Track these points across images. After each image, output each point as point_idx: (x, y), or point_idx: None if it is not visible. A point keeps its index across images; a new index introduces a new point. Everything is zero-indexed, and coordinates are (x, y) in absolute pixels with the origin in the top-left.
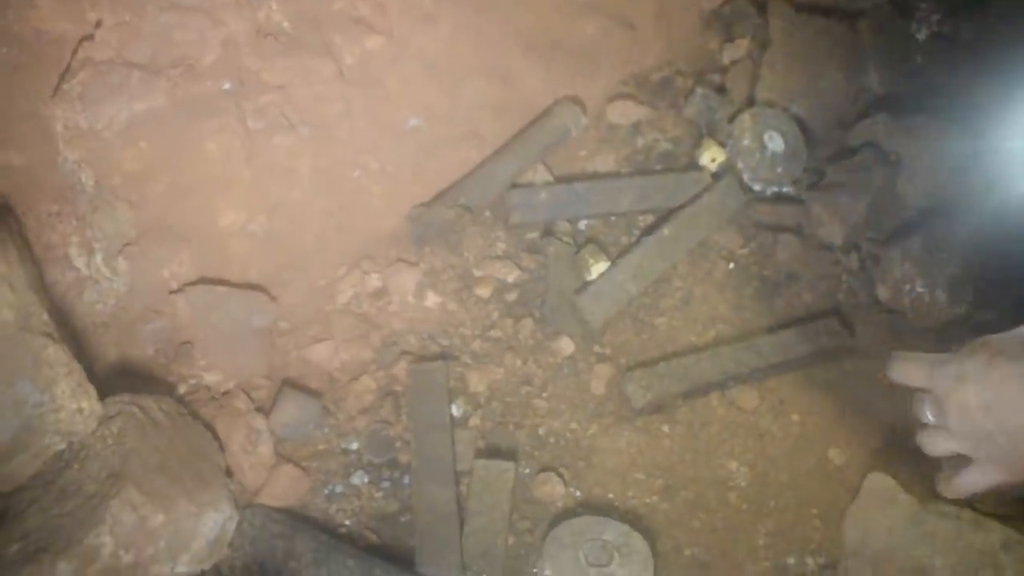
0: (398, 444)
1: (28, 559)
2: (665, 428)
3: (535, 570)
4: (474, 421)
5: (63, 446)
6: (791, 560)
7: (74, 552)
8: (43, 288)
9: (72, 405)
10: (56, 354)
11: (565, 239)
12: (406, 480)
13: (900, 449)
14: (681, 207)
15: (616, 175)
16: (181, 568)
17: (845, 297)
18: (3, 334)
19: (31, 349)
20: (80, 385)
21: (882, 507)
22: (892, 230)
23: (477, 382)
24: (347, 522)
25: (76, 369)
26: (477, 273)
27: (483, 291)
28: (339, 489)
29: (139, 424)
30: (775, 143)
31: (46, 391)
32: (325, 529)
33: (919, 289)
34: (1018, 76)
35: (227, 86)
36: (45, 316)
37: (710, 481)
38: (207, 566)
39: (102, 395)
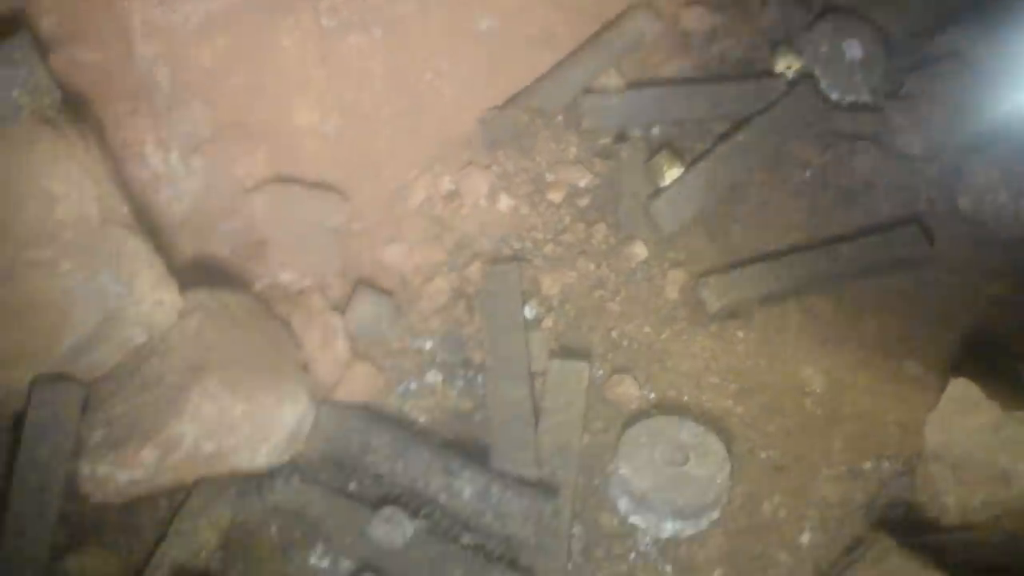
0: (471, 344)
1: (112, 446)
2: (739, 334)
3: (610, 468)
4: (547, 323)
5: (144, 338)
6: (867, 465)
7: (157, 440)
8: (122, 184)
9: (153, 297)
10: (137, 247)
11: (638, 145)
12: (480, 379)
13: (979, 358)
14: (756, 114)
15: (690, 81)
16: (260, 460)
17: (924, 207)
18: (86, 227)
19: (113, 242)
20: (161, 278)
21: (964, 413)
22: (974, 139)
23: (550, 285)
24: (421, 419)
25: (157, 262)
26: (549, 177)
27: (555, 195)
28: (413, 387)
29: (218, 318)
30: (853, 51)
31: (127, 283)
32: (400, 425)
33: (1002, 199)
34: None
35: None
36: (126, 209)
37: (785, 386)
38: (285, 458)
39: (180, 291)
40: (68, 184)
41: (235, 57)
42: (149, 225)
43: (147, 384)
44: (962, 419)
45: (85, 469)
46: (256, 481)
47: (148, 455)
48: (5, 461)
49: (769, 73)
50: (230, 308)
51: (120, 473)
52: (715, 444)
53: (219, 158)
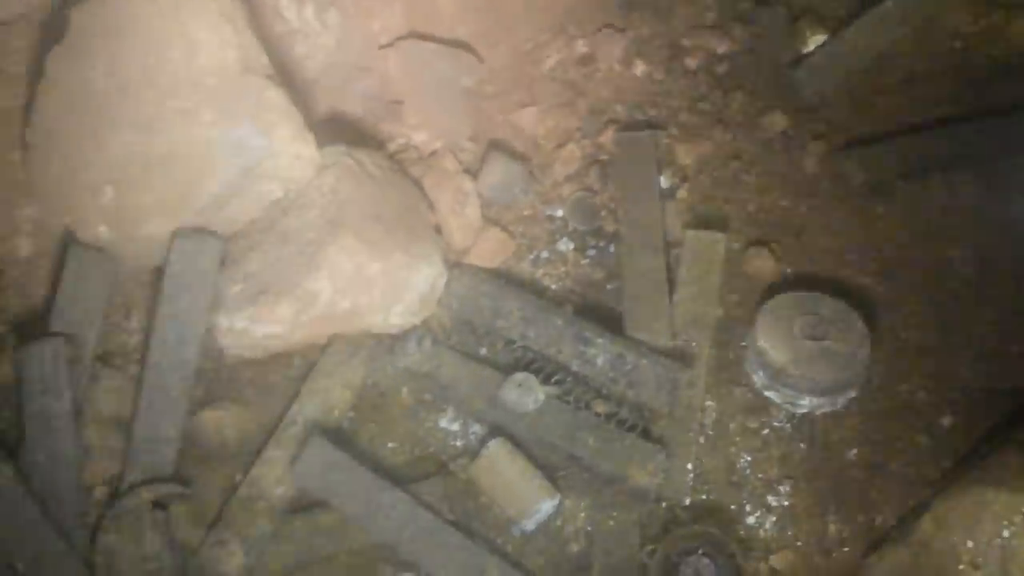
0: (603, 213)
1: (249, 300)
2: (880, 209)
3: (745, 341)
4: (681, 193)
5: (280, 193)
6: (1014, 348)
7: (295, 295)
8: (260, 35)
9: (291, 151)
10: (277, 98)
11: (780, 10)
12: (611, 249)
13: None
14: None
15: None
16: (394, 319)
17: None
18: (227, 75)
19: (253, 92)
20: (299, 131)
21: None
22: None
23: (685, 154)
24: (553, 287)
25: (295, 115)
26: (686, 43)
27: (692, 62)
28: (544, 255)
29: (354, 175)
30: None
31: (266, 135)
32: (532, 292)
33: None
34: None
35: None
36: (265, 60)
37: (929, 266)
38: (417, 321)
39: (316, 147)
40: (210, 30)
41: None
42: (285, 80)
43: (284, 239)
44: None
45: (223, 322)
46: (388, 342)
47: (285, 310)
48: (145, 314)
49: None
50: (366, 166)
51: (257, 327)
52: (856, 321)
53: (355, 11)
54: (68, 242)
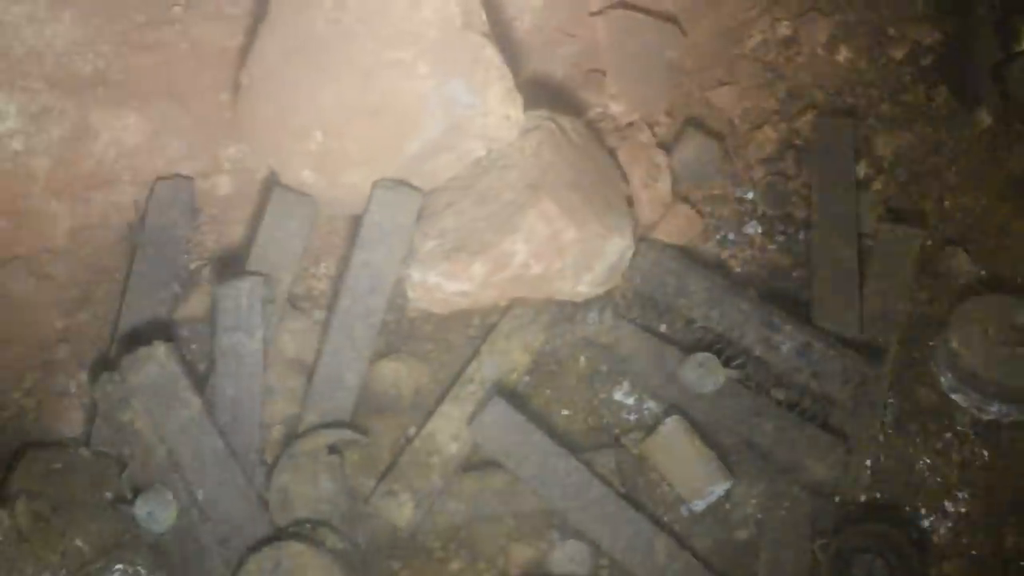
0: (795, 199)
1: (443, 256)
2: None
3: (934, 341)
4: (877, 185)
5: (483, 152)
6: None
7: (490, 255)
8: None
9: (500, 111)
10: (492, 57)
11: (994, 3)
12: (799, 236)
13: None
14: None
15: None
16: (582, 287)
17: None
18: (447, 29)
19: (470, 49)
20: (509, 92)
21: None
22: None
23: (883, 145)
24: (738, 269)
25: (507, 75)
26: (892, 32)
27: (897, 52)
28: (731, 236)
29: (556, 140)
30: None
31: (478, 93)
32: (718, 272)
33: None
34: None
35: None
36: (483, 16)
37: None
38: (602, 291)
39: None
40: None
41: None
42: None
43: (483, 199)
44: None
45: (416, 275)
46: (570, 310)
47: (479, 269)
48: (335, 261)
49: None
50: (567, 132)
51: (449, 283)
52: None
53: None
54: (272, 184)
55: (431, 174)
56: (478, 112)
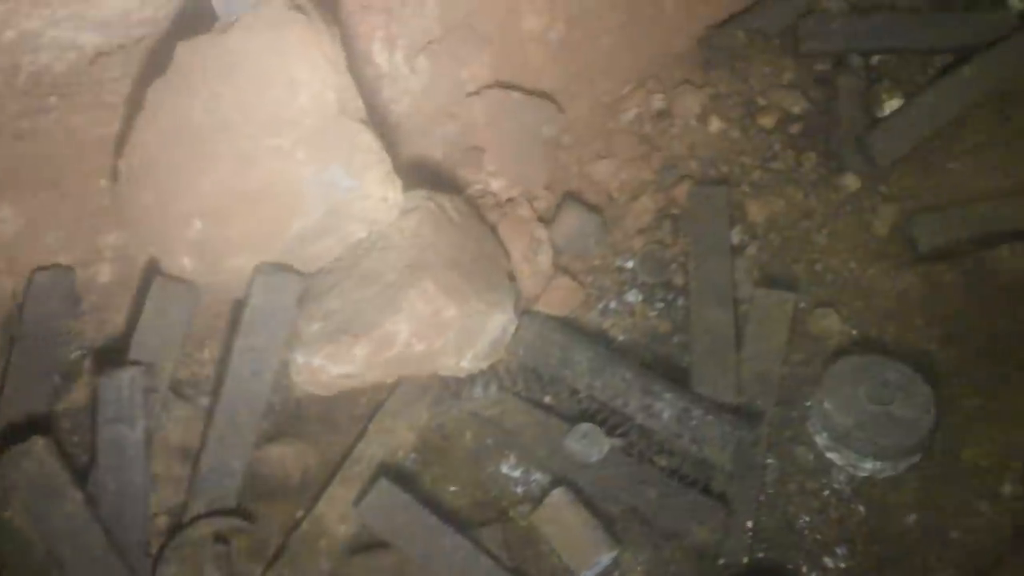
0: (673, 266)
1: (327, 339)
2: (948, 276)
3: (809, 402)
4: (751, 250)
5: (364, 234)
6: None
7: (372, 336)
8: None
9: (379, 193)
10: (370, 142)
11: (858, 73)
12: (679, 302)
13: None
14: (984, 49)
15: (916, 10)
16: (464, 363)
17: None
18: (324, 116)
19: (348, 134)
20: (388, 175)
21: None
22: None
23: (756, 212)
24: (620, 337)
25: (385, 158)
26: (762, 102)
27: (767, 120)
28: (613, 305)
29: (436, 219)
30: None
31: (357, 177)
32: (600, 342)
33: None
34: None
35: None
36: (360, 103)
37: (998, 334)
38: (484, 365)
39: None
40: (312, 71)
41: None
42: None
43: (366, 280)
44: None
45: (300, 359)
46: (455, 386)
47: (361, 351)
48: (218, 346)
49: (1000, 4)
50: (447, 210)
51: (333, 366)
52: (922, 387)
53: (445, 59)
54: (152, 272)
55: (315, 257)
56: (357, 195)
